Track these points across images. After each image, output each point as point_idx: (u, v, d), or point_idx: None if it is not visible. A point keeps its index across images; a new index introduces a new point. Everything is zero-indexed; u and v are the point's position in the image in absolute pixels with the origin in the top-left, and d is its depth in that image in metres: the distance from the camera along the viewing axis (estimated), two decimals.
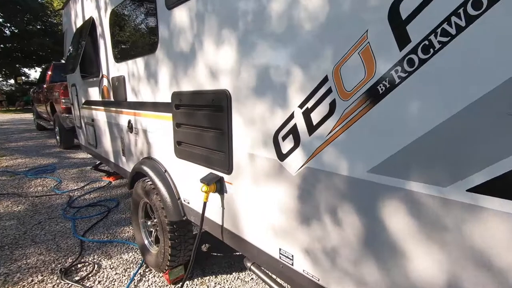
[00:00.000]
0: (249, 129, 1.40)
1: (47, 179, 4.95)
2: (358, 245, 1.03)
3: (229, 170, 1.56)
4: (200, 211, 1.88)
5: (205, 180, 1.62)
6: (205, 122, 1.68)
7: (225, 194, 1.64)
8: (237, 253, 2.70)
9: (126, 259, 2.66)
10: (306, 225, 1.20)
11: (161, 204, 2.15)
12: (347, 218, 1.04)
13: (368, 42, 0.90)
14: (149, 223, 2.47)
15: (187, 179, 1.98)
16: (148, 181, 2.31)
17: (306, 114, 1.12)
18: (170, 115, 2.02)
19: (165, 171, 2.21)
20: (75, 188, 4.53)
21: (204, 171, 1.76)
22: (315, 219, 1.15)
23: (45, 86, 8.07)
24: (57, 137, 7.71)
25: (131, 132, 2.69)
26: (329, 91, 1.03)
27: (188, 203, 2.01)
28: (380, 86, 0.89)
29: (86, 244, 2.91)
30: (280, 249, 1.34)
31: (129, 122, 2.68)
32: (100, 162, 4.97)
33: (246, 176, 1.47)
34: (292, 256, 1.29)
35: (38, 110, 9.84)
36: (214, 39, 1.51)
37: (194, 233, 2.28)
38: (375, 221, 0.96)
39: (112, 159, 3.38)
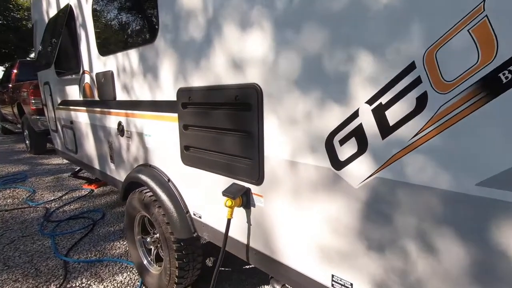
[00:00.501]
0: (288, 131, 1.15)
1: (18, 190, 4.42)
2: (457, 280, 0.82)
3: (258, 180, 1.31)
4: (216, 227, 1.62)
5: (230, 193, 1.35)
6: (224, 123, 1.41)
7: (252, 208, 1.38)
8: (247, 267, 2.44)
9: (121, 281, 2.32)
10: (375, 250, 0.98)
11: (165, 218, 1.85)
12: (443, 243, 0.82)
13: (486, 15, 0.68)
14: (148, 239, 2.15)
15: (198, 190, 1.70)
16: (147, 192, 1.99)
17: (378, 112, 0.89)
18: (174, 115, 1.72)
19: (168, 180, 1.91)
20: (52, 198, 4.06)
21: (223, 181, 1.49)
22: (391, 243, 0.93)
23: (10, 85, 7.32)
24: (27, 142, 7.01)
25: (122, 135, 2.34)
26: (416, 82, 0.80)
27: (200, 217, 1.73)
28: (504, 74, 0.67)
29: (71, 265, 2.53)
30: (333, 275, 1.11)
31: (120, 124, 2.34)
32: (79, 168, 4.52)
33: (283, 188, 1.22)
34: (351, 284, 1.06)
35: (2, 112, 8.96)
36: (239, 20, 1.24)
37: (201, 246, 2.00)
38: (489, 248, 0.75)
39: (97, 166, 2.99)
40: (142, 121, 2.05)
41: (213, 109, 1.46)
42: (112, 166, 2.65)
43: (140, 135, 2.11)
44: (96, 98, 2.62)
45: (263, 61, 1.19)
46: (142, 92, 1.99)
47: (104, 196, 4.13)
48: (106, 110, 2.52)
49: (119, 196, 2.40)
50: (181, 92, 1.64)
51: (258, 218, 1.37)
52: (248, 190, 1.37)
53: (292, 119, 1.13)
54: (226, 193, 1.36)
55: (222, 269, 2.43)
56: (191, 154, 1.67)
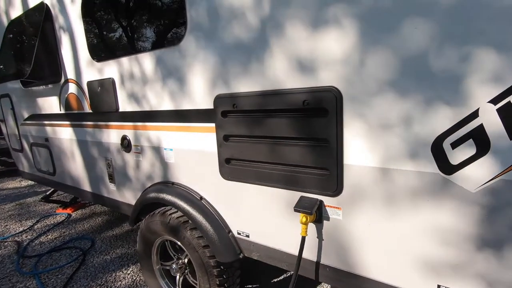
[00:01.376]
0: (378, 137, 1.07)
1: None
2: None
3: (336, 191, 1.20)
4: (272, 245, 1.48)
5: (304, 208, 1.22)
6: (286, 131, 1.27)
7: (325, 222, 1.27)
8: (275, 280, 2.31)
9: None
10: (494, 255, 0.93)
11: (202, 241, 1.65)
12: None
13: None
14: (173, 266, 1.91)
15: (245, 206, 1.54)
16: (173, 213, 1.77)
17: (506, 111, 0.84)
18: (209, 125, 1.54)
19: (201, 198, 1.70)
20: (21, 230, 3.48)
21: (283, 194, 1.36)
22: None
23: None
24: None
25: (129, 151, 2.06)
26: None
27: (247, 236, 1.57)
28: None
29: None
30: (439, 286, 1.05)
31: (124, 138, 2.05)
32: (52, 190, 3.96)
33: (369, 197, 1.13)
34: None
35: None
36: (310, 17, 1.12)
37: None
38: None
39: (87, 188, 2.61)
40: (160, 133, 1.81)
41: (269, 117, 1.32)
42: (111, 186, 2.33)
43: (157, 150, 1.86)
44: (87, 110, 2.28)
45: (344, 62, 1.08)
46: (159, 101, 1.75)
47: (86, 220, 3.65)
48: (102, 123, 2.20)
49: (129, 220, 2.10)
50: (220, 99, 1.46)
51: (332, 232, 1.26)
52: (321, 203, 1.25)
53: (384, 123, 1.04)
54: (300, 208, 1.23)
55: (249, 286, 2.27)
56: (235, 167, 1.50)
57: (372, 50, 1.02)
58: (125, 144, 2.06)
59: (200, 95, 1.55)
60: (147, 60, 1.75)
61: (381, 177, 1.09)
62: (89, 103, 2.24)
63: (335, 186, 1.20)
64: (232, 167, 1.51)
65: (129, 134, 2.03)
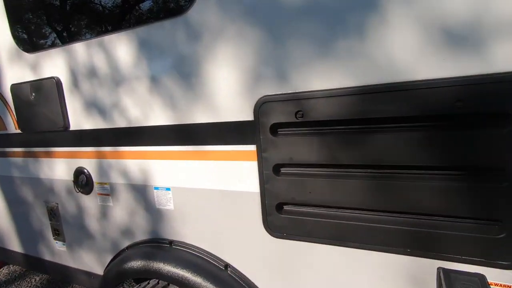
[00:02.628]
0: None
1: None
2: None
3: None
4: None
5: None
6: (418, 155, 0.71)
7: None
8: None
9: None
10: None
11: None
12: None
13: None
14: None
15: (312, 281, 0.92)
16: None
17: None
18: (246, 149, 0.92)
19: (226, 267, 1.04)
20: None
21: (396, 264, 0.79)
22: None
23: None
24: None
25: (87, 192, 1.30)
26: None
27: None
28: None
29: None
30: None
31: (80, 173, 1.29)
32: None
33: None
34: None
35: None
36: None
37: None
38: None
39: (16, 248, 1.72)
40: (147, 164, 1.11)
41: (374, 131, 0.75)
42: (58, 246, 1.50)
43: (141, 190, 1.16)
44: (12, 129, 1.46)
45: None
46: (146, 113, 1.06)
47: (16, 280, 2.60)
48: (39, 150, 1.40)
49: None
50: (269, 105, 0.85)
51: None
52: (483, 279, 0.71)
53: None
54: None
55: None
56: (295, 218, 0.89)
57: None
58: (82, 182, 1.29)
59: (226, 99, 0.92)
60: (122, 44, 1.06)
61: None
62: (15, 118, 1.42)
63: None
64: (289, 217, 0.90)
65: (88, 165, 1.27)
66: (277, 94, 0.84)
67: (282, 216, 0.91)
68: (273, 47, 0.83)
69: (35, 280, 2.54)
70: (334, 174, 0.83)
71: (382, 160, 0.75)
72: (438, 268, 0.74)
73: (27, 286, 2.47)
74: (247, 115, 0.90)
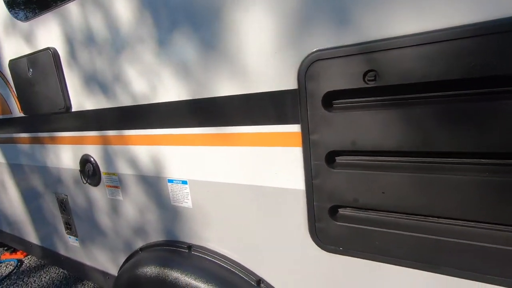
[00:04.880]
0: None
1: None
2: None
3: None
4: None
5: None
6: None
7: None
8: None
9: None
10: None
11: None
12: None
13: None
14: None
15: None
16: None
17: None
18: (287, 129, 0.65)
19: (259, 282, 0.81)
20: None
21: None
22: None
23: None
24: None
25: (96, 184, 1.12)
26: None
27: None
28: None
29: None
30: None
31: (87, 161, 1.11)
32: None
33: None
34: None
35: None
36: None
37: None
38: None
39: (34, 240, 1.62)
40: (159, 151, 0.89)
41: (492, 99, 0.46)
42: (71, 241, 1.37)
43: (153, 183, 0.95)
44: (16, 113, 1.30)
45: None
46: (157, 87, 0.83)
47: (44, 269, 2.61)
48: (44, 135, 1.23)
49: None
50: (321, 64, 0.57)
51: None
52: None
53: None
54: None
55: None
56: (355, 227, 0.63)
57: None
58: (88, 172, 1.11)
59: (259, 60, 0.65)
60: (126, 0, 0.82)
61: None
62: (17, 99, 1.26)
63: None
64: (348, 225, 0.64)
65: (94, 153, 1.08)
66: (335, 48, 0.56)
67: (338, 223, 0.65)
68: None
69: (55, 273, 2.52)
70: (423, 166, 0.55)
71: (505, 146, 0.46)
72: None
73: (47, 279, 2.46)
74: (288, 82, 0.63)
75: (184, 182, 0.88)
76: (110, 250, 1.21)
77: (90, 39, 0.94)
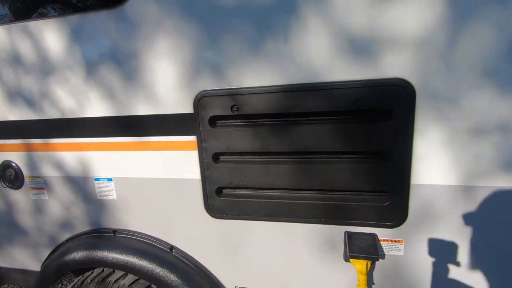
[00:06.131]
0: (464, 146, 0.80)
1: None
2: None
3: (397, 220, 0.89)
4: None
5: (365, 253, 0.86)
6: (328, 143, 0.87)
7: (380, 262, 0.95)
8: None
9: None
10: None
11: None
12: None
13: None
14: None
15: (249, 253, 1.06)
16: (122, 279, 1.12)
17: None
18: (186, 139, 0.99)
19: (171, 249, 1.12)
20: None
21: (313, 231, 0.96)
22: None
23: None
24: None
25: (18, 187, 1.24)
26: None
27: None
28: None
29: None
30: None
31: (8, 167, 1.21)
32: None
33: (443, 223, 0.87)
34: None
35: None
36: None
37: None
38: None
39: None
40: (86, 156, 1.11)
41: (296, 123, 0.89)
42: None
43: (80, 182, 1.14)
44: None
45: (423, 43, 0.76)
46: (82, 104, 1.05)
47: None
48: None
49: None
50: (208, 99, 0.93)
51: (392, 272, 0.95)
52: (375, 238, 0.92)
53: (477, 128, 0.78)
54: (359, 254, 0.86)
55: None
56: (232, 200, 1.00)
57: (471, 22, 0.74)
58: (10, 176, 1.22)
59: (167, 92, 0.96)
60: (50, 30, 1.01)
61: (462, 198, 0.84)
62: None
63: (397, 214, 0.88)
64: (227, 199, 1.01)
65: (17, 159, 1.20)
66: (214, 90, 0.92)
67: (222, 199, 1.02)
68: (209, 44, 0.90)
69: None
70: (265, 160, 0.96)
71: (303, 147, 0.90)
72: (345, 232, 0.94)
73: None
74: (187, 108, 0.96)
75: (110, 180, 1.11)
76: (32, 247, 1.32)
77: (15, 59, 1.08)
